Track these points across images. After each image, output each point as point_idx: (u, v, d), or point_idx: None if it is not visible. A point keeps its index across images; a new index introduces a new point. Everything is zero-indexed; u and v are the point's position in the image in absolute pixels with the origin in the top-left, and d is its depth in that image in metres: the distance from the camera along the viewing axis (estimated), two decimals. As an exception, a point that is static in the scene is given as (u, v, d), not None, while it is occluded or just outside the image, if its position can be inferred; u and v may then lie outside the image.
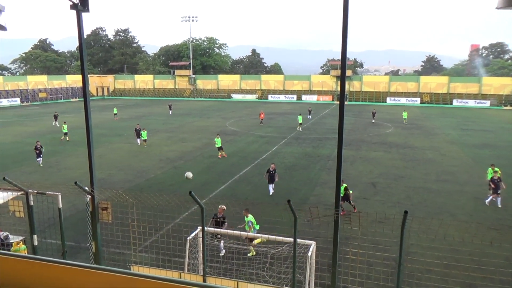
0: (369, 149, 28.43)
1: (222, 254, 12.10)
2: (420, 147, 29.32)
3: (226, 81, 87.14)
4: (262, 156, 25.72)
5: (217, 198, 17.05)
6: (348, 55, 10.12)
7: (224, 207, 12.36)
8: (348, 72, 77.19)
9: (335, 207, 10.71)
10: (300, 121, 38.50)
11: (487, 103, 68.35)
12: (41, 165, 22.75)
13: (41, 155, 22.92)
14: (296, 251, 8.53)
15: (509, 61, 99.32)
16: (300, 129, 37.68)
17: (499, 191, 16.35)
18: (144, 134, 28.57)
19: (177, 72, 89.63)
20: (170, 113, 51.88)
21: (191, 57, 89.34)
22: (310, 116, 46.97)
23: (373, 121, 43.73)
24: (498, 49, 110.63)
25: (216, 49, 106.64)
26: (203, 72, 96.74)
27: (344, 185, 15.03)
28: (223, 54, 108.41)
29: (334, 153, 25.97)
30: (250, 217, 12.15)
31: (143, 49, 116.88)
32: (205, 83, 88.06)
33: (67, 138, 30.45)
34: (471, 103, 69.24)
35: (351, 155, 25.74)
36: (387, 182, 19.75)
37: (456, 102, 70.02)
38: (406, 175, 21.14)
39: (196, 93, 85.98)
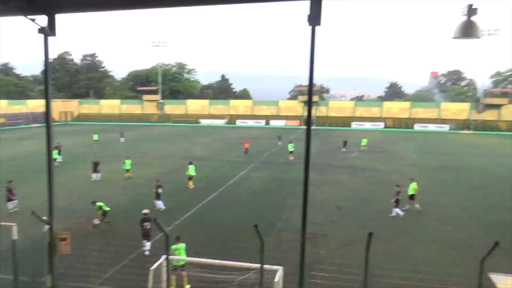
0: (335, 173, 28.93)
1: (146, 253, 13.24)
2: (384, 170, 30.16)
3: (195, 106, 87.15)
4: (230, 181, 25.58)
5: (183, 225, 16.70)
6: (315, 81, 10.43)
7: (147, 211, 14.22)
8: (315, 98, 79.23)
9: (301, 231, 10.74)
10: (290, 150, 35.46)
11: (446, 127, 71.78)
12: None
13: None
14: (263, 278, 8.41)
15: (465, 87, 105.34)
16: (292, 158, 34.77)
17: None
18: (127, 163, 26.64)
19: (145, 97, 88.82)
20: (122, 140, 48.06)
21: (160, 82, 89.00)
22: (280, 143, 46.56)
23: (344, 150, 41.50)
24: (456, 76, 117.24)
25: (185, 74, 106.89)
26: (172, 97, 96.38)
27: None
28: (192, 79, 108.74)
29: (301, 177, 26.10)
30: (180, 245, 11.40)
31: (110, 74, 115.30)
32: (173, 108, 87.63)
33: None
34: (431, 127, 72.51)
35: (318, 179, 26.07)
36: (353, 205, 20.07)
37: (417, 127, 73.06)
38: (371, 198, 21.58)
39: (164, 118, 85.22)
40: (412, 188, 19.45)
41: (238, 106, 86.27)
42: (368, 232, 7.67)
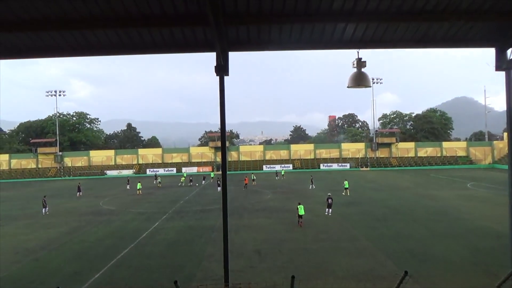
0: (251, 216, 29.01)
1: None
2: (295, 210, 31.09)
3: (99, 157, 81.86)
4: (142, 234, 23.95)
5: (90, 289, 14.91)
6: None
7: None
8: (226, 143, 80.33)
9: (224, 281, 10.30)
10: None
11: (347, 166, 77.82)
12: None
13: None
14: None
15: (360, 129, 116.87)
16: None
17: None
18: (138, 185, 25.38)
19: (40, 150, 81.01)
20: None
21: (57, 133, 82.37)
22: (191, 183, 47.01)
23: (312, 187, 45.64)
24: (350, 119, 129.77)
25: (87, 124, 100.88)
26: (72, 149, 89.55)
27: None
28: (95, 129, 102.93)
29: (218, 223, 25.72)
30: None
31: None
32: (74, 160, 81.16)
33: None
34: (335, 166, 77.98)
35: (235, 224, 25.81)
36: (271, 247, 20.09)
37: (322, 166, 77.95)
38: (288, 239, 21.91)
39: (63, 172, 78.21)
40: (301, 208, 25.25)
41: (147, 154, 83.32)
42: (291, 276, 7.66)
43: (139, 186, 45.19)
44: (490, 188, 42.45)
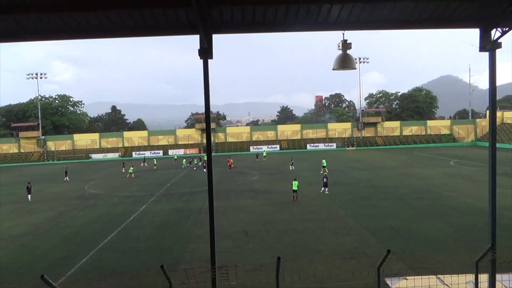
0: (238, 198, 29.19)
1: None
2: (283, 190, 31.37)
3: (84, 140, 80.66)
4: (130, 217, 23.92)
5: (78, 273, 14.91)
6: (210, 109, 10.43)
7: None
8: (212, 125, 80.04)
9: (211, 264, 10.41)
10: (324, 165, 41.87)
11: (334, 145, 78.47)
12: None
13: None
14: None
15: (346, 108, 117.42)
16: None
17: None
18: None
19: (22, 134, 79.40)
20: None
21: (39, 117, 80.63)
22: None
23: (292, 168, 45.88)
24: (337, 99, 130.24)
25: (70, 107, 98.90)
26: (56, 133, 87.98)
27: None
28: (78, 112, 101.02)
29: (205, 205, 25.81)
30: None
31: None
32: (58, 144, 79.85)
33: None
34: (321, 146, 78.53)
35: (222, 206, 25.95)
36: (258, 229, 20.32)
37: (309, 146, 78.43)
38: (275, 219, 22.16)
39: (47, 156, 77.00)
40: (295, 184, 27.23)
41: (133, 137, 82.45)
42: (277, 257, 7.78)
43: (131, 170, 45.02)
44: (472, 165, 43.45)
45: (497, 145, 11.03)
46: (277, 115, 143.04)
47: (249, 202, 27.37)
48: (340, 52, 10.66)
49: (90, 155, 77.27)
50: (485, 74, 10.34)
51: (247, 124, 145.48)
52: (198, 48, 9.63)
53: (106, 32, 10.17)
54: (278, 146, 78.79)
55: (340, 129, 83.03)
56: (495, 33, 9.89)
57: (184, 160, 58.02)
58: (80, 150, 79.05)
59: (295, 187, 27.09)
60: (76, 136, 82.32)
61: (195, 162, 56.68)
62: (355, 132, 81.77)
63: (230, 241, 18.18)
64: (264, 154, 62.99)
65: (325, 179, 29.85)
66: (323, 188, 29.58)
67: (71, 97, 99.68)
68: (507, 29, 9.56)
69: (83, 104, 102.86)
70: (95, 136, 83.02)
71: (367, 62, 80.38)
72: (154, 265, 14.85)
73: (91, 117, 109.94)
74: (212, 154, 62.63)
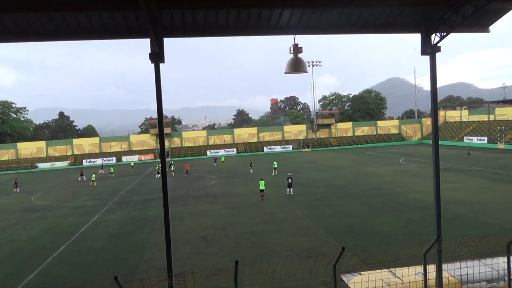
0: (196, 203, 28.82)
1: None
2: (241, 193, 31.44)
3: (29, 149, 76.09)
4: (81, 229, 22.84)
5: (25, 291, 14.00)
6: (165, 113, 10.22)
7: None
8: (167, 130, 78.49)
9: (167, 272, 10.17)
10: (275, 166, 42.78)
11: (290, 147, 79.73)
12: None
13: None
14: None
15: (301, 111, 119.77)
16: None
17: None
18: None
19: (-41, 144, 73.55)
20: None
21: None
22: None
23: (251, 170, 45.98)
24: (292, 102, 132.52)
25: (12, 114, 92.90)
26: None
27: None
28: (22, 119, 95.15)
29: (161, 213, 25.16)
30: None
31: None
32: (0, 153, 74.73)
33: None
34: (278, 148, 79.53)
35: (179, 212, 25.51)
36: (217, 233, 20.17)
37: (266, 149, 79.13)
38: (234, 223, 22.11)
39: (-12, 166, 71.79)
40: (262, 184, 28.53)
41: (83, 145, 78.90)
42: (235, 261, 7.76)
43: (93, 177, 43.57)
44: (420, 162, 45.89)
45: (441, 142, 11.73)
46: (233, 119, 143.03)
47: (208, 207, 27.11)
48: (292, 56, 10.85)
49: (36, 164, 73.01)
50: (428, 76, 10.95)
51: (204, 128, 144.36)
52: (149, 51, 9.42)
53: (49, 36, 9.66)
54: (235, 149, 78.80)
55: (296, 131, 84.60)
56: (434, 38, 10.53)
57: (157, 166, 52.08)
58: (24, 159, 74.51)
59: (262, 187, 28.30)
60: (20, 145, 77.47)
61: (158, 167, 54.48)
62: (310, 133, 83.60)
63: (189, 247, 17.91)
64: (222, 159, 62.11)
65: (289, 180, 30.09)
66: (288, 189, 29.91)
67: (13, 103, 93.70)
68: (445, 34, 10.21)
69: (27, 110, 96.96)
70: (42, 144, 78.56)
71: (319, 66, 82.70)
72: (108, 277, 14.25)
73: (36, 124, 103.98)
74: (168, 159, 61.62)
